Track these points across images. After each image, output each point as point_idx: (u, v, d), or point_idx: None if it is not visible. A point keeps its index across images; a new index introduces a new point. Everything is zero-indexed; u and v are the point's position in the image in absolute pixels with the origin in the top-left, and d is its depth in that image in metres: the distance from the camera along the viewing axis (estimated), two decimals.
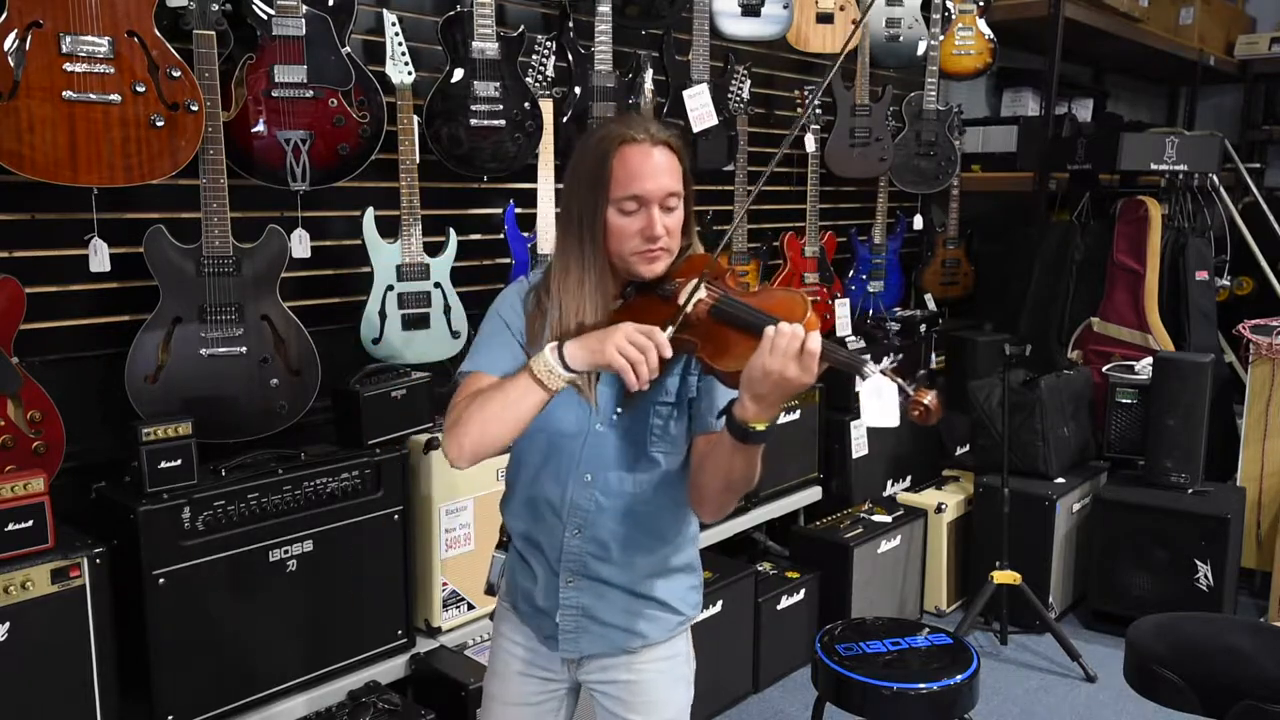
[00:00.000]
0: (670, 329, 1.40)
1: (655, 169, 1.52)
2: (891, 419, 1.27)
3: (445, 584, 2.58)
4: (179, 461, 2.12)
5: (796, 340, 1.31)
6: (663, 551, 1.66)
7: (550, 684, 1.73)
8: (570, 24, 3.04)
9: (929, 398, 1.26)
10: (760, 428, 1.38)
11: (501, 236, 2.91)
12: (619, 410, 1.59)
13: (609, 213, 1.52)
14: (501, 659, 1.76)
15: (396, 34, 2.59)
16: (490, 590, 1.77)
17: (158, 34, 2.12)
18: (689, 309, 1.45)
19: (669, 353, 1.37)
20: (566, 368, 1.41)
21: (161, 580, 2.07)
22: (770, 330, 1.33)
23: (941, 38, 4.19)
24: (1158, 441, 3.63)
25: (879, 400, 1.27)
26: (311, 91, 2.40)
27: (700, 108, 3.35)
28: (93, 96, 2.04)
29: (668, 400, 1.58)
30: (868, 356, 1.32)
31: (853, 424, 3.80)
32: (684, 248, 1.59)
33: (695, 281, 1.47)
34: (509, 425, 1.44)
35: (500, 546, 1.76)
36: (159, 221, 2.25)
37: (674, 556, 1.68)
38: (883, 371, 1.27)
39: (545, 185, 2.86)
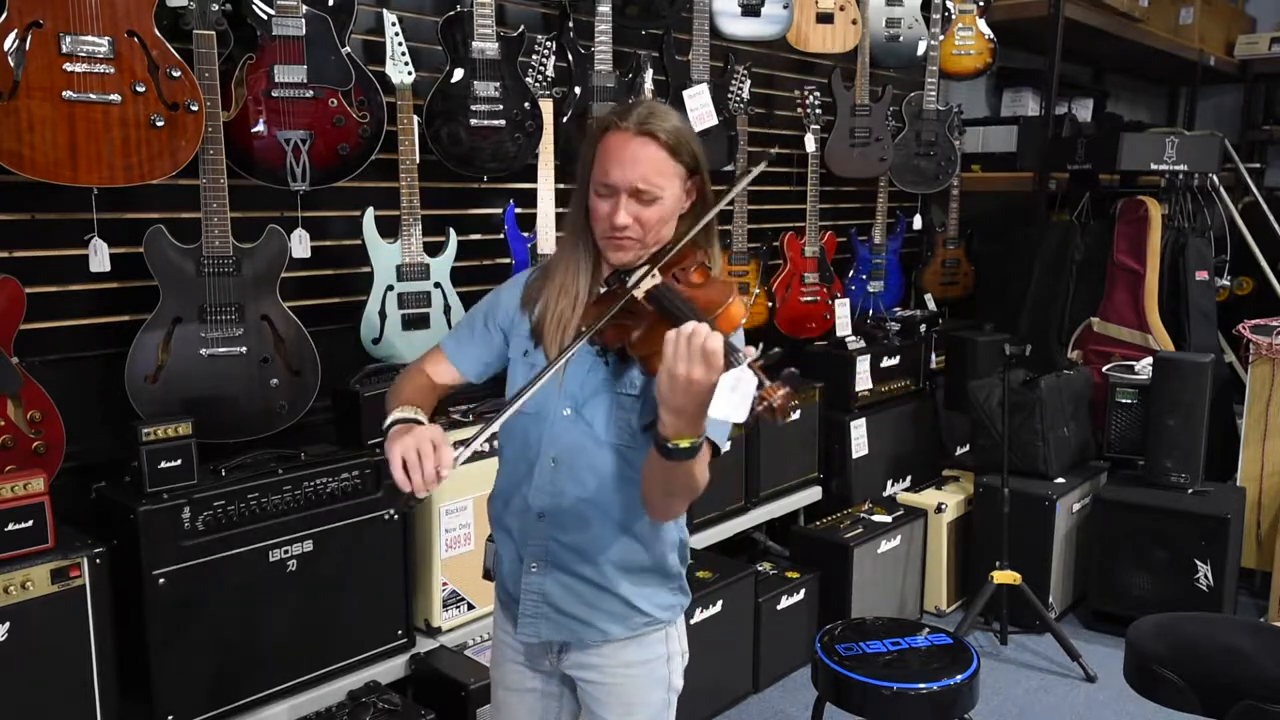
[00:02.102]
0: (572, 349, 1.46)
1: (626, 159, 1.51)
2: (740, 414, 1.20)
3: (445, 584, 2.58)
4: (179, 461, 2.13)
5: (699, 338, 1.27)
6: (628, 547, 1.62)
7: (540, 673, 1.74)
8: (570, 24, 3.04)
9: (778, 396, 1.20)
10: (684, 444, 1.34)
11: (501, 236, 2.91)
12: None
13: (590, 195, 1.56)
14: (497, 647, 1.79)
15: (396, 34, 2.59)
16: (488, 575, 1.78)
17: (158, 34, 2.12)
18: (637, 294, 1.47)
19: (446, 472, 1.37)
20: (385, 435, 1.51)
21: (161, 580, 2.07)
22: (671, 335, 1.29)
23: (941, 38, 4.19)
24: (1158, 441, 3.63)
25: (733, 393, 1.21)
26: (311, 91, 2.40)
27: (700, 108, 3.35)
28: (93, 96, 2.04)
29: (631, 393, 1.57)
30: (751, 349, 1.28)
31: (852, 424, 3.81)
32: (670, 243, 1.58)
33: (646, 269, 1.48)
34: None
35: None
36: (159, 221, 2.25)
37: (642, 554, 1.64)
38: (750, 364, 1.22)
39: (545, 185, 2.86)
